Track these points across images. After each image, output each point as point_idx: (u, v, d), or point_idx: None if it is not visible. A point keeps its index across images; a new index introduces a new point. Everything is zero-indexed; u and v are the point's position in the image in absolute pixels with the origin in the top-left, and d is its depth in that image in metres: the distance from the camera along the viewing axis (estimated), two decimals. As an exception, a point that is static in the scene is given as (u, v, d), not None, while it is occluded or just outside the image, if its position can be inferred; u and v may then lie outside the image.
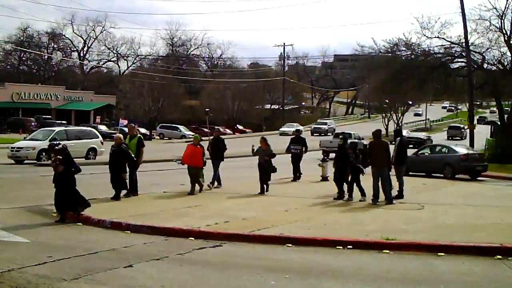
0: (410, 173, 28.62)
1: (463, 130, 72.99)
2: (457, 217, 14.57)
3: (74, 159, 15.06)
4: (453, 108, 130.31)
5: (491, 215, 14.83)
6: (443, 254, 10.36)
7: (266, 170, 19.49)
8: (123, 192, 17.53)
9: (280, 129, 79.65)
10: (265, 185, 19.38)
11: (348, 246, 10.98)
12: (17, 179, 23.29)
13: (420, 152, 31.85)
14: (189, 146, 19.80)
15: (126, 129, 38.88)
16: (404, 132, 51.73)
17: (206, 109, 29.79)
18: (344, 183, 18.03)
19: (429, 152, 31.77)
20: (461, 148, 31.17)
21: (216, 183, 20.87)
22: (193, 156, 19.31)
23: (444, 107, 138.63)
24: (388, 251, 10.67)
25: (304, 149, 24.63)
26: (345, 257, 10.35)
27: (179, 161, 20.34)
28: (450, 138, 72.25)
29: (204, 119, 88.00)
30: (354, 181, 17.87)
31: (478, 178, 28.71)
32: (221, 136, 23.20)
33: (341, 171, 18.10)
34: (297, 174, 24.07)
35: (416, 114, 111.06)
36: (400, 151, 18.42)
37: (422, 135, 66.35)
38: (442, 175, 28.37)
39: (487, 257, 10.13)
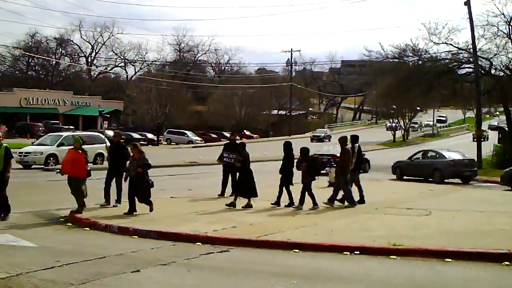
0: (405, 177, 31.80)
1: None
2: (465, 223, 14.53)
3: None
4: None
5: (498, 221, 14.77)
6: (450, 260, 10.32)
7: (139, 185, 15.44)
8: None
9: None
10: (147, 204, 15.55)
11: (356, 252, 10.97)
12: (25, 184, 23.37)
13: (414, 157, 33.22)
14: (70, 151, 15.87)
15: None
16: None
17: (100, 109, 25.75)
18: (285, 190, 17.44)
19: (422, 157, 33.07)
20: (452, 154, 32.37)
21: (114, 202, 17.06)
22: (72, 163, 15.36)
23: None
24: (395, 256, 10.64)
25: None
26: (352, 263, 10.33)
27: (58, 171, 16.35)
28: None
29: (211, 124, 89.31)
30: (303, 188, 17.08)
31: (485, 184, 29.38)
32: (122, 141, 18.43)
33: (284, 178, 17.57)
34: (224, 188, 19.62)
35: (439, 121, 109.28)
36: (358, 158, 18.28)
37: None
38: (434, 180, 29.75)
39: (494, 263, 10.08)
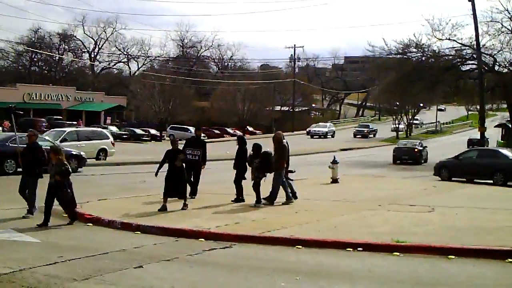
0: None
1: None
2: (468, 219, 14.50)
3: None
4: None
5: (501, 218, 14.74)
6: (453, 257, 10.31)
7: (58, 194, 13.75)
8: None
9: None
10: (69, 215, 14.02)
11: (359, 248, 10.96)
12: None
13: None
14: None
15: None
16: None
17: (10, 105, 21.80)
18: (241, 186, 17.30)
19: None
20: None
21: (27, 213, 14.51)
22: None
23: None
24: (398, 253, 10.63)
25: (203, 156, 17.90)
26: (355, 259, 10.32)
27: None
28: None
29: (214, 120, 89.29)
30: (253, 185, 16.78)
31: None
32: (36, 141, 15.45)
33: (237, 173, 17.42)
34: (195, 189, 17.78)
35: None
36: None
37: None
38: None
39: (498, 261, 10.08)
